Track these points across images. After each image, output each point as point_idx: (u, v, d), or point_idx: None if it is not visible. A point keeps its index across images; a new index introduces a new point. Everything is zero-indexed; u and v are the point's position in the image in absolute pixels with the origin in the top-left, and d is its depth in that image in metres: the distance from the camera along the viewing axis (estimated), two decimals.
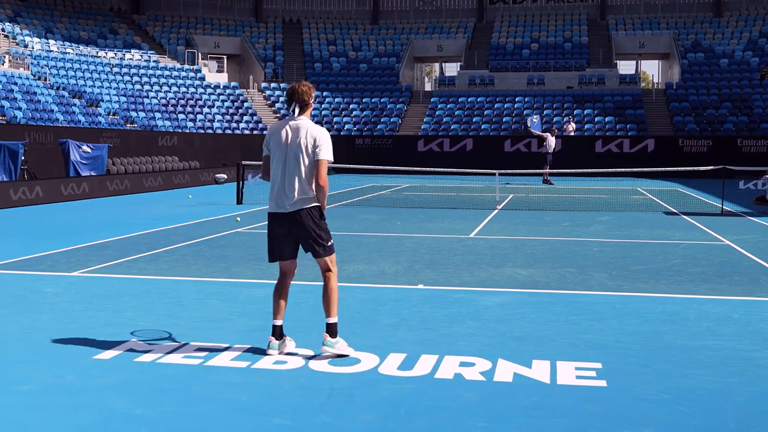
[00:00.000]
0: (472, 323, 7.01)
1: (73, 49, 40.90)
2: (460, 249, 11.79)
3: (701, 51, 44.02)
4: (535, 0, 50.36)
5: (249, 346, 6.16)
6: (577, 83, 42.95)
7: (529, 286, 8.82)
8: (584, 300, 8.07)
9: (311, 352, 5.98)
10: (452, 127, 39.87)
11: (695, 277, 9.43)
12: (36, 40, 39.87)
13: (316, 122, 41.33)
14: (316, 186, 5.79)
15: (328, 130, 40.54)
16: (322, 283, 5.95)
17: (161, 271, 9.68)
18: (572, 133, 37.56)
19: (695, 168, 20.23)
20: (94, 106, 36.07)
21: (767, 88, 39.73)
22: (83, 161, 23.60)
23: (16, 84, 33.37)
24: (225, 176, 29.34)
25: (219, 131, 38.91)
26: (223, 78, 45.61)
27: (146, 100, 39.02)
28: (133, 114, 37.06)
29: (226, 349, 6.09)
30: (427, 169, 25.79)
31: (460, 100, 42.39)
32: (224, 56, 47.37)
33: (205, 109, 40.71)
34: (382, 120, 40.97)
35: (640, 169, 21.96)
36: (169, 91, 41.02)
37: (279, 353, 5.91)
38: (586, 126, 38.93)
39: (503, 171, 22.22)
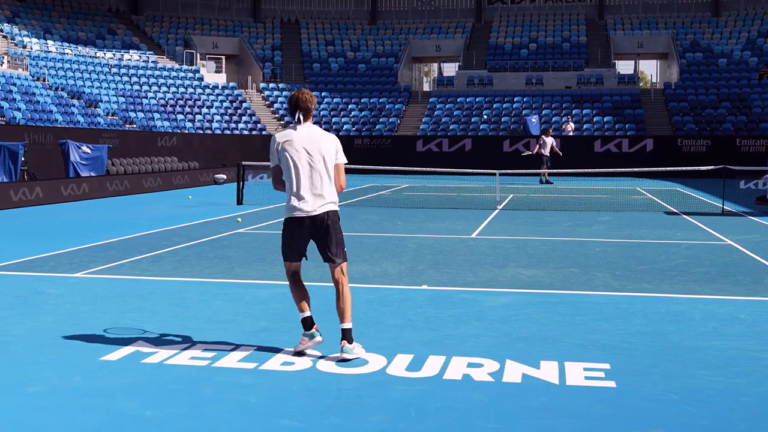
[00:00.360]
0: (477, 324, 7.00)
1: (71, 50, 40.85)
2: (463, 249, 11.79)
3: (700, 51, 44.06)
4: (534, 0, 50.37)
5: (256, 347, 6.15)
6: (576, 83, 42.96)
7: (533, 287, 8.82)
8: (589, 300, 8.06)
9: (318, 354, 5.96)
10: (451, 127, 39.87)
11: (699, 277, 9.43)
12: (34, 40, 39.81)
13: (315, 122, 41.28)
14: (337, 189, 5.95)
15: (327, 130, 40.54)
16: (330, 286, 5.97)
17: (165, 272, 9.67)
18: (571, 133, 37.56)
19: (696, 168, 20.22)
20: (93, 106, 36.03)
21: (766, 87, 39.77)
22: (83, 162, 23.57)
23: (14, 85, 33.32)
24: (224, 177, 29.31)
25: (218, 132, 38.88)
26: (221, 78, 45.57)
27: (145, 101, 38.99)
28: (132, 114, 37.02)
29: (233, 350, 6.08)
30: (427, 169, 25.78)
31: (458, 100, 42.39)
32: (222, 57, 47.34)
33: (204, 110, 40.68)
34: (380, 120, 40.96)
35: (640, 169, 21.95)
36: (168, 92, 40.99)
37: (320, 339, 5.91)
38: (584, 126, 38.94)
39: (503, 171, 22.20)
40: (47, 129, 25.63)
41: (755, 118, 37.63)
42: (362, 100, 42.80)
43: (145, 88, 40.48)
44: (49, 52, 39.45)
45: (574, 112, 39.98)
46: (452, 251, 11.56)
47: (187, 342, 6.30)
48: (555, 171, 25.12)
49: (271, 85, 44.76)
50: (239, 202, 19.67)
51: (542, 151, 28.75)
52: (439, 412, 4.75)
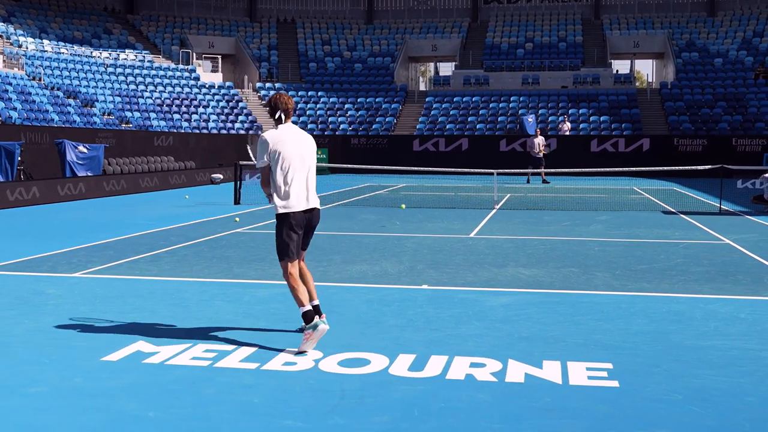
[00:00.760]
0: (478, 324, 6.99)
1: (67, 49, 40.74)
2: (462, 249, 11.78)
3: (695, 50, 44.11)
4: (530, 0, 50.39)
5: (257, 347, 6.13)
6: (572, 83, 42.98)
7: (534, 286, 8.81)
8: (589, 300, 8.06)
9: (320, 354, 5.94)
10: (447, 126, 39.86)
11: (699, 277, 9.43)
12: (30, 40, 39.70)
13: (312, 122, 41.31)
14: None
15: (323, 130, 40.64)
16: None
17: (163, 272, 9.64)
18: (567, 133, 37.59)
19: (694, 167, 20.24)
20: (89, 106, 35.94)
21: (761, 87, 39.83)
22: (79, 161, 23.51)
23: (10, 84, 33.22)
24: (221, 176, 29.26)
25: (214, 131, 38.82)
26: (217, 78, 45.49)
27: (141, 101, 38.90)
28: (128, 114, 36.94)
29: (234, 350, 6.05)
30: (424, 168, 25.75)
31: (455, 99, 42.39)
32: (219, 56, 47.23)
33: (200, 109, 40.61)
34: (377, 120, 40.92)
35: (638, 169, 21.96)
36: (164, 91, 40.90)
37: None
38: (581, 125, 38.95)
39: (501, 171, 22.20)
40: (43, 128, 25.56)
41: (751, 117, 37.69)
42: (358, 100, 42.77)
43: (142, 87, 40.40)
44: (45, 51, 39.35)
45: (570, 111, 40.00)
46: (451, 251, 11.55)
47: (188, 342, 6.28)
48: (552, 170, 25.12)
49: (268, 84, 44.69)
50: (236, 201, 19.63)
51: (530, 151, 29.18)
52: (442, 412, 4.74)
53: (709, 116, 38.19)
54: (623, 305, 7.77)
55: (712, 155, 32.69)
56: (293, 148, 6.13)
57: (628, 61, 47.76)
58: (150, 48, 45.43)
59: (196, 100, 41.32)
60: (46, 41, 40.47)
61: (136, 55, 43.37)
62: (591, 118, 39.31)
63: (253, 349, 6.06)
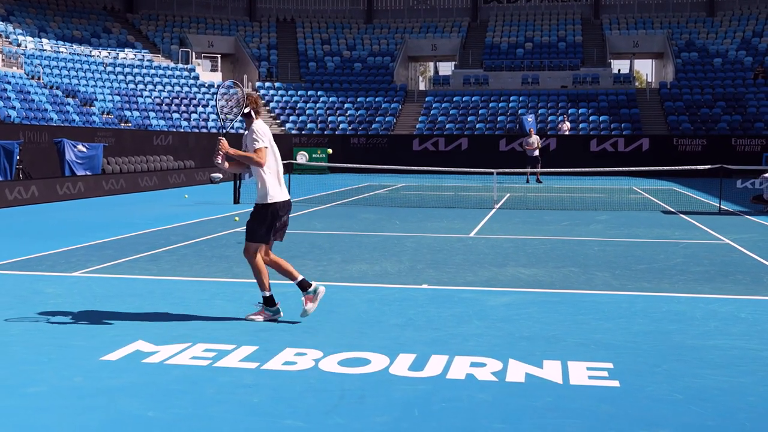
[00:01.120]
0: (479, 323, 6.98)
1: (66, 48, 40.71)
2: (462, 248, 11.76)
3: (695, 50, 44.11)
4: (529, 0, 50.38)
5: (257, 346, 6.12)
6: (572, 82, 42.98)
7: (534, 286, 8.80)
8: (590, 299, 8.05)
9: (320, 354, 5.93)
10: (447, 126, 39.85)
11: (699, 276, 9.42)
12: (29, 39, 39.66)
13: (311, 121, 41.32)
14: None
15: (323, 129, 40.63)
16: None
17: (163, 271, 9.62)
18: (567, 133, 37.59)
19: (693, 167, 20.23)
20: (88, 105, 35.92)
21: (761, 87, 39.84)
22: (78, 161, 23.49)
23: (9, 83, 33.19)
24: (220, 176, 29.24)
25: (213, 130, 38.79)
26: (217, 77, 45.45)
27: (140, 100, 38.88)
28: (128, 113, 36.92)
29: (234, 349, 6.03)
30: (423, 168, 25.74)
31: (454, 99, 42.38)
32: (218, 55, 47.21)
33: (200, 108, 40.59)
34: (376, 119, 40.92)
35: (637, 168, 21.95)
36: (163, 90, 40.88)
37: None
38: (580, 125, 38.96)
39: (501, 170, 22.19)
40: (42, 128, 25.53)
41: (750, 117, 37.70)
42: (358, 99, 42.76)
43: (141, 86, 40.36)
44: (44, 50, 39.31)
45: (569, 111, 40.00)
46: (451, 250, 11.54)
47: (188, 342, 6.26)
48: (551, 170, 25.12)
49: (267, 84, 44.69)
50: (236, 201, 19.63)
51: (525, 149, 29.36)
52: (443, 412, 4.72)
53: (708, 116, 38.19)
54: (623, 305, 7.76)
55: (712, 155, 32.70)
56: (273, 141, 6.95)
57: (628, 61, 47.80)
58: (149, 47, 45.40)
59: (195, 99, 41.30)
60: (45, 40, 40.43)
61: (135, 55, 43.34)
62: (590, 118, 39.32)
63: (253, 349, 6.05)
